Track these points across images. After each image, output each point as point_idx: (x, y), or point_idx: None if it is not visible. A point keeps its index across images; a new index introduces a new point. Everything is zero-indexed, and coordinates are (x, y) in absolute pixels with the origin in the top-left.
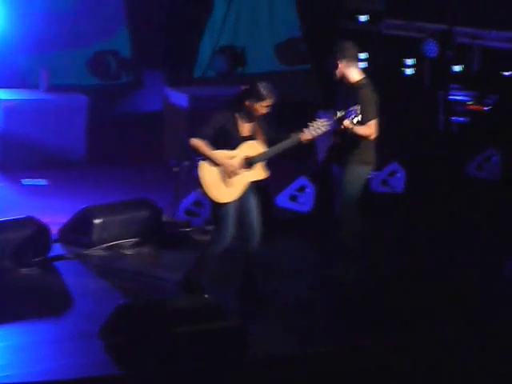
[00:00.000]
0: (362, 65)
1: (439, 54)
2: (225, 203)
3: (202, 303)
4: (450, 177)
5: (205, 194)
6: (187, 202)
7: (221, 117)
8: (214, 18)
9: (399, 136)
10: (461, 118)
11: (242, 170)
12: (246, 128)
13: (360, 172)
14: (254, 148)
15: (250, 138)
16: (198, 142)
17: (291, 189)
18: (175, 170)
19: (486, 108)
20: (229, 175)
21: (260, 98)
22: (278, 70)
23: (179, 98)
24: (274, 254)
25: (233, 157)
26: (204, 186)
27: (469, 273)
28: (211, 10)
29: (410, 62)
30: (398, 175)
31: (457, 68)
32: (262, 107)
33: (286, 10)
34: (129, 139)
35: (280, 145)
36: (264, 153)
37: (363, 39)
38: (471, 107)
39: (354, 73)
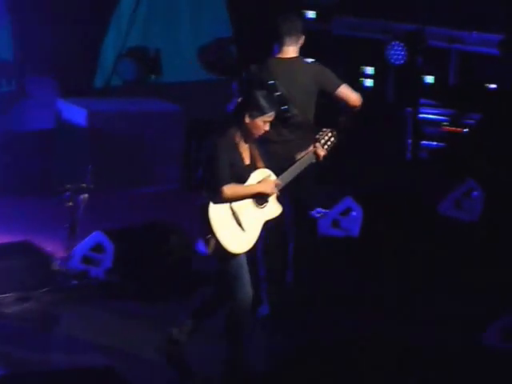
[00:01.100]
0: None
1: (407, 60)
2: (237, 254)
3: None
4: (419, 217)
5: (213, 243)
6: (84, 245)
7: (224, 146)
8: (120, 12)
9: (354, 165)
10: (433, 143)
11: (256, 207)
12: (247, 154)
13: None
14: (263, 177)
15: (253, 166)
16: (231, 188)
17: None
18: (69, 204)
19: (464, 130)
20: (245, 212)
21: (262, 112)
22: (203, 79)
23: (76, 112)
24: None
25: None
26: (215, 231)
27: (438, 337)
28: (116, 2)
29: (369, 70)
30: (353, 214)
31: (429, 79)
32: (264, 123)
33: (212, 5)
34: (9, 163)
35: (293, 168)
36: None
37: (310, 40)
38: (447, 129)
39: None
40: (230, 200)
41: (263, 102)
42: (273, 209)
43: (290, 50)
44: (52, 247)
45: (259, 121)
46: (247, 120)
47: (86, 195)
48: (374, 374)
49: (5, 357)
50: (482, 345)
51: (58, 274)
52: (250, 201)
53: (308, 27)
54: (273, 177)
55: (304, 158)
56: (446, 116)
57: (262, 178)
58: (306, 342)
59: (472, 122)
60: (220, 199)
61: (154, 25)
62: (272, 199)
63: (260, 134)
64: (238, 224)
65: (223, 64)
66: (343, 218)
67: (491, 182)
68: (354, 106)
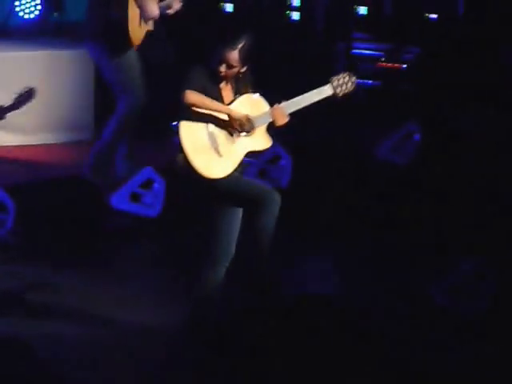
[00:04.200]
0: (229, 7)
1: None
2: (213, 179)
3: None
4: (353, 163)
5: (184, 166)
6: None
7: (196, 72)
8: None
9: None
10: (369, 81)
11: (239, 134)
12: (228, 91)
13: None
14: (253, 105)
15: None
16: (195, 93)
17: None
18: None
19: (403, 66)
20: (233, 134)
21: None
22: None
23: None
24: None
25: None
26: (186, 152)
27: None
28: None
29: (296, 2)
30: (282, 163)
31: (362, 9)
32: (222, 63)
33: None
34: None
35: (301, 98)
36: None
37: None
38: (383, 65)
39: None
40: (193, 106)
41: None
42: (259, 141)
43: None
44: None
45: (222, 60)
46: (214, 55)
47: None
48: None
49: None
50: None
51: None
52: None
53: None
54: (263, 103)
55: (316, 90)
56: (382, 51)
57: (246, 106)
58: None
59: (411, 56)
60: (182, 104)
61: None
62: (260, 130)
63: (225, 76)
64: (213, 147)
65: None
66: (271, 166)
67: (431, 123)
68: None
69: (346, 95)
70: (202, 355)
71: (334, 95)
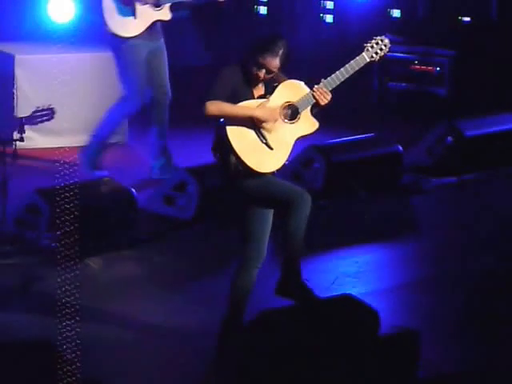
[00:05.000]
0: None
1: None
2: (267, 173)
3: None
4: (387, 166)
5: (238, 166)
6: (19, 206)
7: (232, 74)
8: None
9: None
10: (402, 84)
11: (285, 122)
12: (259, 91)
13: None
14: (292, 91)
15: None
16: (215, 103)
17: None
18: None
19: (436, 69)
20: (270, 129)
21: (273, 54)
22: None
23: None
24: None
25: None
26: (238, 154)
27: None
28: None
29: (329, 5)
30: (316, 166)
31: (395, 12)
32: (259, 67)
33: None
34: None
35: (341, 72)
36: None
37: None
38: (416, 67)
39: None
40: (215, 117)
41: (279, 46)
42: (306, 125)
43: None
44: None
45: (257, 64)
46: (251, 59)
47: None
48: None
49: None
50: None
51: None
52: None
53: None
54: (302, 86)
55: (353, 61)
56: (415, 54)
57: (285, 93)
58: None
59: (444, 59)
60: (204, 115)
61: None
62: (305, 114)
63: (258, 79)
64: (263, 142)
65: None
66: (305, 169)
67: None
68: None
69: (381, 58)
70: (235, 357)
71: (372, 61)
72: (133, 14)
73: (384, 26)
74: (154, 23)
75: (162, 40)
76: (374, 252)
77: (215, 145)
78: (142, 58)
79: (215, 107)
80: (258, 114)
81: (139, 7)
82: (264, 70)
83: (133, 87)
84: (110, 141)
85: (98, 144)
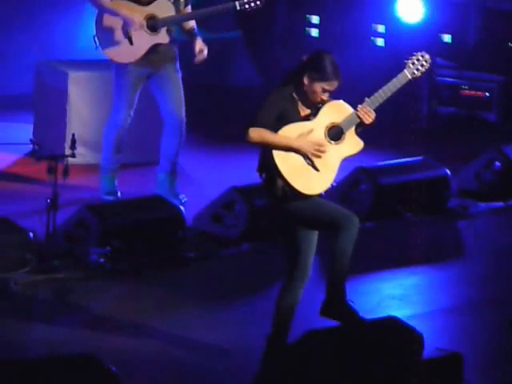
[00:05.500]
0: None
1: (421, 17)
2: (314, 195)
3: None
4: (435, 188)
5: (285, 189)
6: (69, 221)
7: (280, 97)
8: None
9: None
10: (451, 108)
11: (329, 144)
12: (305, 112)
13: None
14: (336, 111)
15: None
16: (257, 131)
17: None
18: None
19: (486, 94)
20: (314, 156)
21: (323, 77)
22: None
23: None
24: None
25: (310, 130)
26: (285, 177)
27: None
28: None
29: (380, 28)
30: (363, 188)
31: (446, 37)
32: (323, 91)
33: None
34: None
35: (384, 90)
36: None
37: None
38: (466, 92)
39: None
40: (257, 144)
41: (328, 68)
42: (351, 145)
43: None
44: (28, 221)
45: (317, 86)
46: (305, 81)
47: (67, 163)
48: None
49: None
50: None
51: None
52: (321, 137)
53: None
54: (346, 107)
55: (395, 79)
56: (465, 79)
57: (329, 114)
58: None
59: (493, 85)
60: (246, 141)
61: None
62: (350, 134)
63: (316, 101)
64: (309, 165)
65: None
66: (352, 190)
67: None
68: None
69: (423, 74)
70: (278, 375)
71: (414, 78)
72: (129, 40)
73: (434, 50)
74: (153, 48)
75: (173, 64)
76: (419, 275)
77: (261, 167)
78: (129, 83)
79: (257, 135)
80: (297, 145)
81: (134, 33)
82: (327, 94)
83: (116, 106)
84: (117, 164)
85: (104, 171)
